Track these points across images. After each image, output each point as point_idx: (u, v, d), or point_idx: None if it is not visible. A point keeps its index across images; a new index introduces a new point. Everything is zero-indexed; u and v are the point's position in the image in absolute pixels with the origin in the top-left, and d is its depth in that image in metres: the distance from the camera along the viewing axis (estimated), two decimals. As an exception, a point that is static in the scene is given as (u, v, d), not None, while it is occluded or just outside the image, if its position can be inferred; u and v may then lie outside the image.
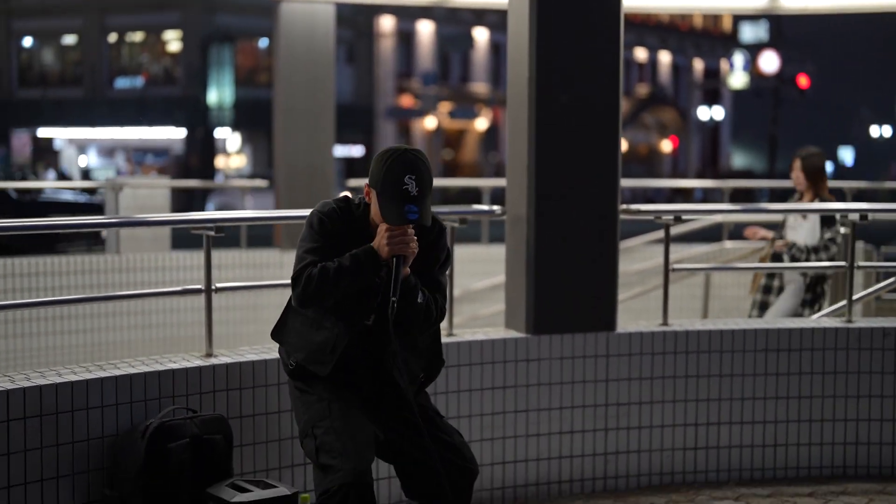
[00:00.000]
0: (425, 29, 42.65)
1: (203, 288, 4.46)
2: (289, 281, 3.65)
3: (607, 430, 5.11)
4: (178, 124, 37.71)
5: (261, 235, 10.74)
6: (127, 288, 8.44)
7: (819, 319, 5.64)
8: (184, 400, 4.22)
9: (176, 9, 37.05)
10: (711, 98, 52.55)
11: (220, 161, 38.93)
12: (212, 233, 4.35)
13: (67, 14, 39.30)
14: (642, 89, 51.14)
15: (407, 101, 41.99)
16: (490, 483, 4.95)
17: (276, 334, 3.75)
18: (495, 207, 5.25)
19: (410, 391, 3.68)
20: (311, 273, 3.49)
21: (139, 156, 40.41)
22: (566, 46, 4.97)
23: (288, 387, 3.82)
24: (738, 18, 57.09)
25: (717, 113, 50.89)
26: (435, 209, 4.51)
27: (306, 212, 3.79)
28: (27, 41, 41.20)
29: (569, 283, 5.05)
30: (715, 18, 56.27)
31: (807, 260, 6.44)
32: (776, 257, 6.58)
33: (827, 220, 6.38)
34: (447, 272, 3.79)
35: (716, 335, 5.22)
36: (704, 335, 5.21)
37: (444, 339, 4.85)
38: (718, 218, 8.51)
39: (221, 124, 37.60)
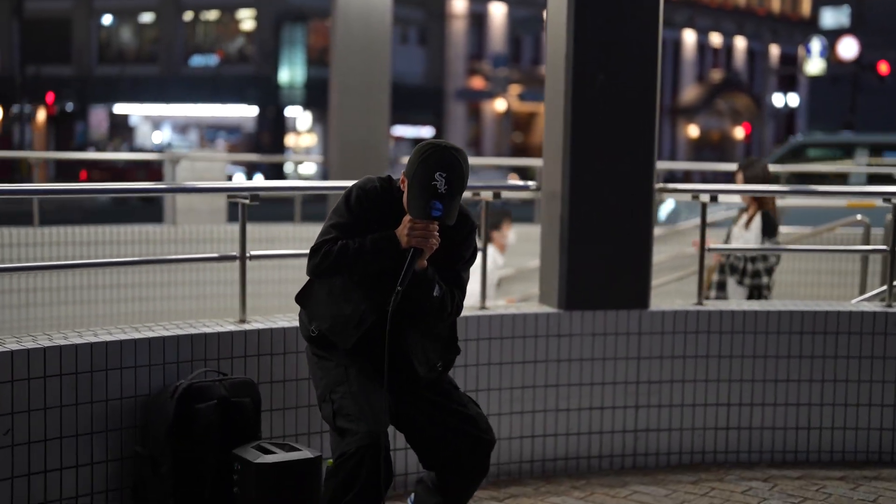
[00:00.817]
0: (497, 11, 42.55)
1: (238, 255, 4.56)
2: None
3: (638, 407, 5.13)
4: (250, 102, 38.16)
5: (314, 213, 10.86)
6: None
7: (858, 303, 5.59)
8: (215, 363, 4.33)
9: (251, -12, 37.45)
10: (787, 84, 51.67)
11: (290, 139, 39.33)
12: (246, 201, 4.44)
13: (145, -8, 39.95)
14: (716, 75, 50.49)
15: (477, 83, 41.97)
16: (519, 456, 5.00)
17: (301, 298, 3.82)
18: (530, 183, 5.27)
19: (428, 377, 3.74)
20: (330, 249, 3.54)
21: (211, 133, 40.99)
22: (604, 24, 4.97)
23: (306, 353, 3.90)
24: (819, 3, 56.07)
25: (792, 100, 50.04)
26: (470, 183, 4.55)
27: (347, 183, 3.84)
28: (107, 19, 41.94)
29: (602, 260, 5.07)
30: (794, 3, 55.33)
31: (743, 270, 6.35)
32: (721, 269, 6.52)
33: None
34: (470, 268, 3.80)
35: (750, 316, 5.20)
36: (739, 315, 5.19)
37: (477, 314, 4.91)
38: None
39: (293, 103, 37.96)
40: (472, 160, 26.93)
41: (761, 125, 51.23)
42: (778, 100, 50.28)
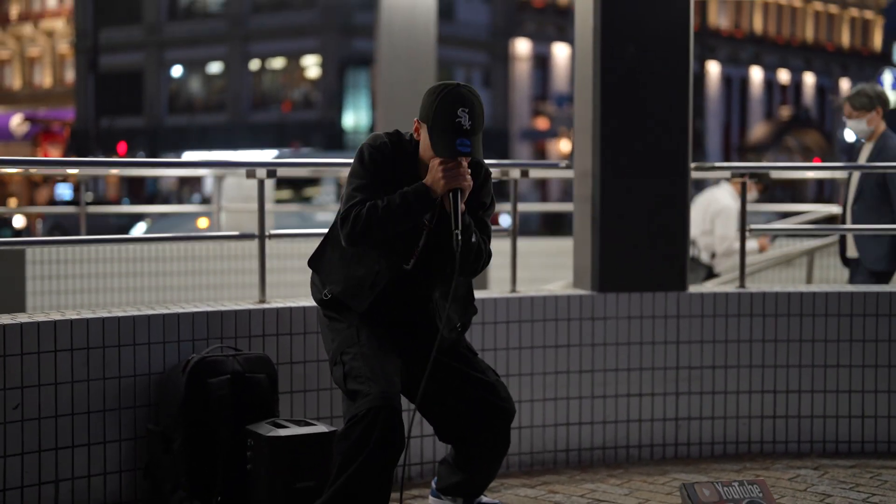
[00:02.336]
0: (560, 52, 42.57)
1: (257, 234, 4.47)
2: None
3: (678, 394, 4.90)
4: (316, 147, 38.51)
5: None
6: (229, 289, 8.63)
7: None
8: (233, 342, 4.22)
9: (315, 35, 37.94)
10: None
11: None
12: (265, 177, 4.35)
13: (214, 42, 40.69)
14: (785, 112, 49.85)
15: (542, 123, 41.94)
16: (553, 445, 4.80)
17: (314, 262, 3.69)
18: (561, 162, 5.12)
19: (450, 339, 3.59)
20: (359, 212, 3.40)
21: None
22: (633, 3, 4.83)
23: (317, 316, 3.77)
24: (891, 38, 55.22)
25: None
26: (497, 161, 4.44)
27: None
28: (176, 70, 42.79)
29: (636, 240, 4.88)
30: (864, 37, 54.61)
31: None
32: None
33: None
34: (490, 224, 3.67)
35: (795, 297, 4.96)
36: (783, 297, 4.95)
37: (506, 296, 4.75)
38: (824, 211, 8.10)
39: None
40: (538, 205, 26.62)
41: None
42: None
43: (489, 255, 3.55)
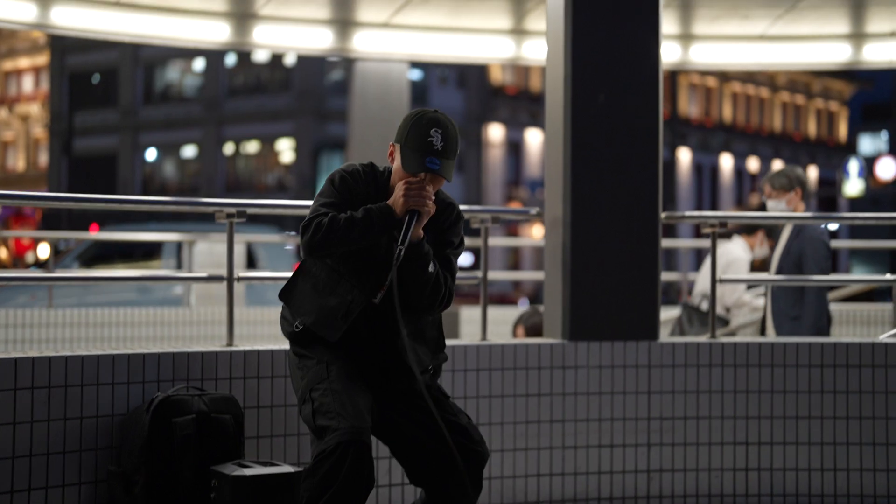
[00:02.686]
0: (533, 138, 43.06)
1: (225, 276, 4.42)
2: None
3: (650, 445, 4.85)
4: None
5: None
6: (198, 341, 8.50)
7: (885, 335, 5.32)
8: (199, 384, 4.15)
9: (289, 119, 38.26)
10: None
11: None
12: (235, 218, 4.33)
13: (188, 126, 40.93)
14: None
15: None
16: (524, 496, 4.72)
17: (285, 294, 3.65)
18: (531, 209, 5.13)
19: (422, 380, 3.53)
20: (321, 221, 3.41)
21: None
22: (604, 42, 4.89)
23: (286, 355, 3.71)
24: (857, 130, 56.29)
25: (831, 226, 49.79)
26: (469, 207, 4.44)
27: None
28: (150, 154, 42.96)
29: (607, 289, 4.88)
30: (830, 128, 55.62)
31: None
32: None
33: None
34: (458, 260, 3.66)
35: (766, 348, 4.95)
36: (754, 348, 4.94)
37: (476, 343, 4.71)
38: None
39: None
40: (511, 273, 26.42)
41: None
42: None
43: (450, 293, 3.52)
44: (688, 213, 5.07)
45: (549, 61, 5.00)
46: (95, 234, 11.13)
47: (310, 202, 3.66)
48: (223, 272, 4.39)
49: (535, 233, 41.68)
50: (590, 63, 4.87)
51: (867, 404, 4.95)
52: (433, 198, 3.43)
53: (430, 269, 3.45)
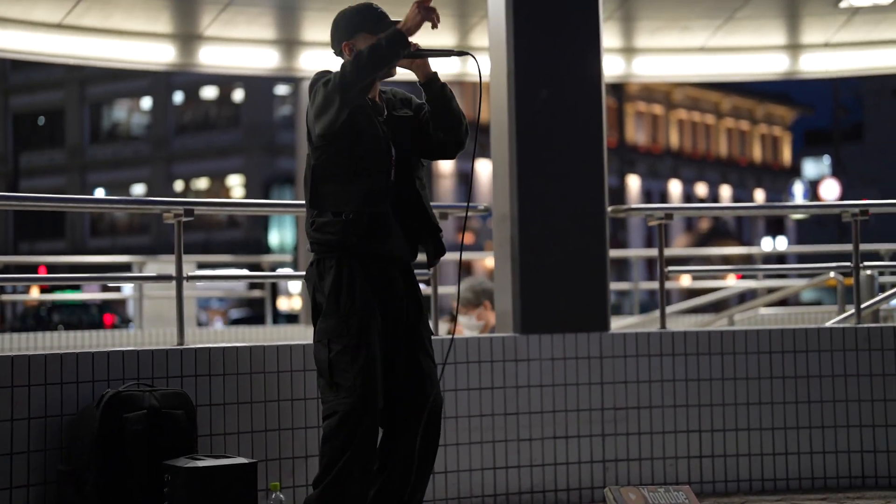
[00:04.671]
0: (484, 168, 43.26)
1: (174, 276, 4.41)
2: (253, 273, 3.65)
3: (604, 435, 4.88)
4: (238, 267, 38.34)
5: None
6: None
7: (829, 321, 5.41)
8: (150, 383, 4.11)
9: (239, 154, 38.17)
10: (775, 229, 52.20)
11: (282, 302, 39.30)
12: (183, 217, 4.32)
13: (137, 164, 40.69)
14: (704, 224, 50.99)
15: (468, 237, 42.31)
16: (481, 490, 4.72)
17: (313, 203, 3.70)
18: (480, 205, 5.17)
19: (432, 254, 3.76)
20: (343, 65, 3.58)
21: (203, 300, 40.96)
22: (545, 38, 4.96)
23: (307, 273, 3.73)
24: (800, 154, 57.18)
25: (780, 243, 50.46)
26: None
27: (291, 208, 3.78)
28: (99, 194, 42.59)
29: (557, 282, 4.92)
30: (775, 152, 56.45)
31: None
32: None
33: None
34: None
35: (715, 336, 5.01)
36: (703, 336, 5.00)
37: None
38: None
39: (283, 266, 38.13)
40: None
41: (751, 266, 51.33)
42: (767, 244, 50.69)
43: (467, 127, 3.78)
44: (634, 206, 5.13)
45: (493, 66, 5.06)
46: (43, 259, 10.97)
47: (255, 203, 3.84)
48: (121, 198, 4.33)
49: (489, 263, 41.82)
50: (533, 63, 4.93)
51: (815, 388, 5.02)
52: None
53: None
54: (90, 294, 11.48)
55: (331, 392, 3.58)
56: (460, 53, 3.74)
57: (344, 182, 3.64)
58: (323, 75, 3.68)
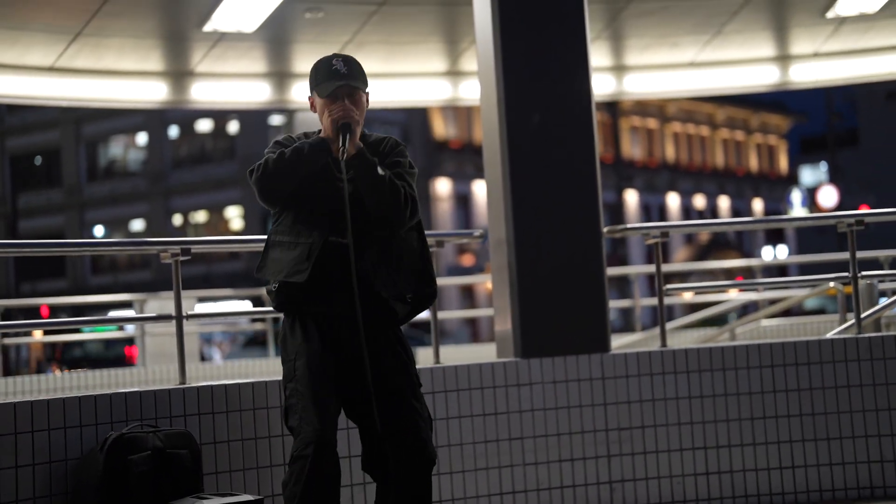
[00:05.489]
0: (481, 190, 43.34)
1: (174, 315, 4.42)
2: (253, 309, 3.64)
3: (610, 456, 4.88)
4: (240, 299, 38.34)
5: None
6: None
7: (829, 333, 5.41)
8: (153, 423, 4.11)
9: (236, 186, 38.24)
10: (775, 238, 52.22)
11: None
12: (180, 257, 4.33)
13: (135, 200, 40.77)
14: (703, 236, 51.01)
15: (467, 259, 42.34)
16: (488, 516, 4.71)
17: (259, 270, 3.73)
18: (475, 231, 5.19)
19: (398, 309, 3.60)
20: (265, 161, 3.60)
21: (206, 335, 40.92)
22: (535, 66, 4.99)
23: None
24: (797, 162, 57.29)
25: (781, 252, 50.46)
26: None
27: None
28: (98, 230, 42.65)
29: (556, 305, 4.93)
30: (771, 161, 56.54)
31: None
32: None
33: None
34: (414, 183, 3.72)
35: (716, 352, 5.01)
36: (704, 352, 5.00)
37: (430, 366, 4.73)
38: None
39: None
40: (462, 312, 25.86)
41: (753, 280, 51.31)
42: (767, 253, 50.69)
43: (413, 200, 3.61)
44: (630, 226, 5.15)
45: (482, 90, 5.09)
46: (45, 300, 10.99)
47: (253, 239, 3.82)
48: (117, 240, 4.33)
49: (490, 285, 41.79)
50: (522, 87, 4.96)
51: (819, 401, 5.02)
52: (356, 111, 3.58)
53: (381, 171, 3.56)
54: (91, 335, 11.52)
55: (293, 437, 3.54)
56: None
57: (282, 251, 3.63)
58: (272, 148, 3.68)
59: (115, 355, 20.07)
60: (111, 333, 10.92)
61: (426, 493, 3.57)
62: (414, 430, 3.54)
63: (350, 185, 3.56)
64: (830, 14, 8.76)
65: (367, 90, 3.69)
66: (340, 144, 3.54)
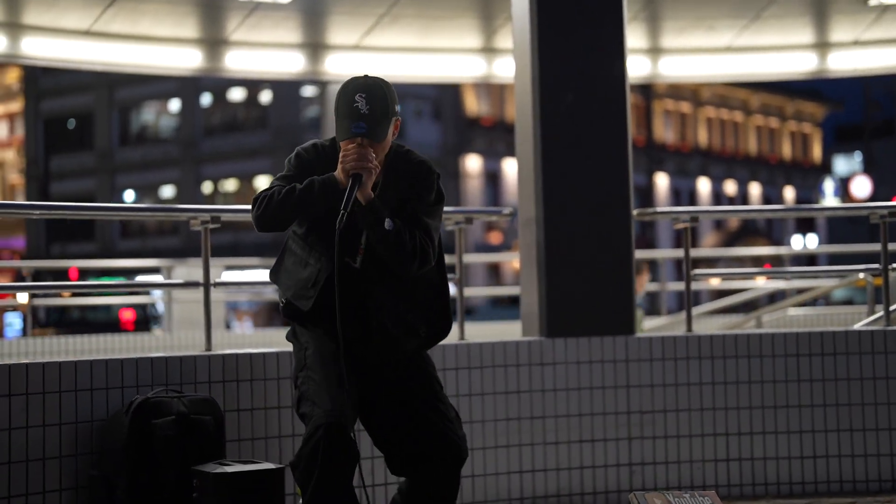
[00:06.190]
0: (511, 168, 43.26)
1: (202, 282, 4.44)
2: None
3: (631, 439, 4.88)
4: (267, 269, 38.47)
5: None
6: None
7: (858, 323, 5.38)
8: (178, 388, 4.15)
9: (267, 155, 38.32)
10: (805, 226, 51.86)
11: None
12: (210, 224, 4.36)
13: (166, 166, 40.95)
14: (733, 222, 50.73)
15: (495, 237, 42.32)
16: (507, 493, 4.73)
17: (273, 274, 3.70)
18: (504, 209, 5.18)
19: (407, 343, 3.51)
20: (266, 194, 3.46)
21: (231, 303, 41.14)
22: (571, 45, 4.97)
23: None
24: (831, 151, 56.82)
25: (811, 241, 50.12)
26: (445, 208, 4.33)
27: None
28: (128, 195, 42.89)
29: (582, 286, 4.92)
30: (805, 149, 56.06)
31: None
32: None
33: None
34: (438, 220, 3.59)
35: (742, 339, 4.99)
36: (730, 339, 4.99)
37: (455, 343, 4.73)
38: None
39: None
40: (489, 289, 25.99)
41: (782, 268, 51.03)
42: (797, 242, 50.34)
43: (423, 250, 3.44)
44: (659, 210, 5.13)
45: (517, 68, 5.07)
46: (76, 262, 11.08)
47: None
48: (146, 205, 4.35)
49: (517, 263, 41.77)
50: (557, 66, 4.94)
51: (843, 391, 4.99)
52: (373, 157, 3.40)
53: (387, 226, 3.39)
54: (121, 298, 11.63)
55: (305, 425, 3.41)
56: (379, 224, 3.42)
57: (295, 265, 3.56)
58: (295, 150, 3.58)
59: (106, 319, 20.17)
60: (135, 298, 10.97)
61: (453, 491, 3.53)
62: (442, 430, 3.47)
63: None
64: (873, 1, 8.66)
65: (395, 117, 3.47)
66: (345, 197, 3.33)
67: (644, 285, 6.65)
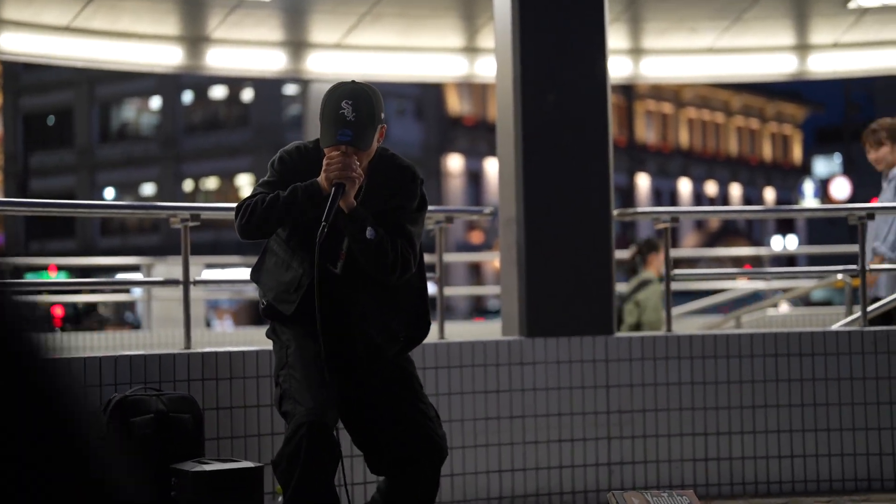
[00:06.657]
0: (492, 168, 43.29)
1: (182, 280, 4.43)
2: None
3: (610, 438, 4.89)
4: (248, 267, 38.39)
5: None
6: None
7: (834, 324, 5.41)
8: (157, 387, 4.14)
9: (248, 154, 38.24)
10: (785, 227, 52.11)
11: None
12: (189, 222, 4.34)
13: (146, 164, 40.79)
14: (713, 223, 50.93)
15: (476, 237, 42.36)
16: (486, 492, 4.74)
17: (255, 273, 3.67)
18: (485, 208, 5.19)
19: (389, 348, 3.50)
20: (249, 203, 3.42)
21: (212, 301, 41.04)
22: (552, 43, 4.98)
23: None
24: (811, 152, 57.10)
25: (790, 242, 50.37)
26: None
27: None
28: (108, 193, 42.72)
29: (562, 285, 4.93)
30: (785, 151, 56.33)
31: None
32: None
33: None
34: (421, 226, 3.57)
35: (721, 339, 5.02)
36: (709, 339, 5.01)
37: (434, 342, 4.73)
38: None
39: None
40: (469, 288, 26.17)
41: (763, 269, 51.24)
42: (777, 242, 50.57)
43: (403, 259, 3.42)
44: (640, 210, 5.15)
45: (499, 67, 5.08)
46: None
47: None
48: (127, 202, 4.39)
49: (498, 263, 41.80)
50: (539, 66, 4.95)
51: (821, 392, 5.02)
52: (357, 166, 3.37)
53: (369, 234, 3.37)
54: (101, 297, 11.53)
55: (286, 424, 3.40)
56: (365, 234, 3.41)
57: (277, 267, 3.53)
58: (276, 156, 3.53)
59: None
60: (115, 296, 10.89)
61: (433, 491, 3.53)
62: (424, 430, 3.47)
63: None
64: (852, 4, 8.71)
65: (381, 124, 3.44)
66: (327, 207, 3.29)
67: (660, 267, 6.73)
